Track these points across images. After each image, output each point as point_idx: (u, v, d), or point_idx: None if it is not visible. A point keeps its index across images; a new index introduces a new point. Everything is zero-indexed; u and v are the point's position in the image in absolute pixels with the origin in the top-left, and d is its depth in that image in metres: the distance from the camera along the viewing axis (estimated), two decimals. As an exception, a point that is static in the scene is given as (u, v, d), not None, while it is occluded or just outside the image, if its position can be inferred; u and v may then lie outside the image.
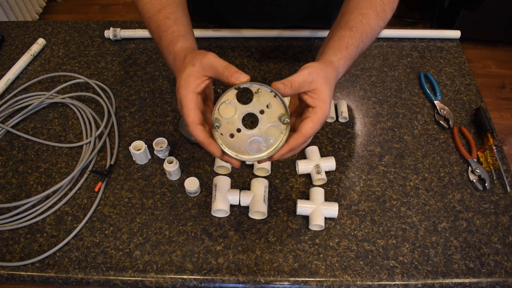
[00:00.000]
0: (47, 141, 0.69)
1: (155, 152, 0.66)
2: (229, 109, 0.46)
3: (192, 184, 0.61)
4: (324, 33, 0.84)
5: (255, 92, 0.45)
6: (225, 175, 0.64)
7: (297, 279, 0.55)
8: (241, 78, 0.44)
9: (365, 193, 0.63)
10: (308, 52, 0.83)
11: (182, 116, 0.47)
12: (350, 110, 0.73)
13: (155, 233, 0.59)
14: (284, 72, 0.79)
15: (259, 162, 0.49)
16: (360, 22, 0.55)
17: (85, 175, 0.64)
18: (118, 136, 0.69)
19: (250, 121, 0.54)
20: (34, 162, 0.66)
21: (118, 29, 0.84)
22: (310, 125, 0.46)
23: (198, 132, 0.45)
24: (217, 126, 0.46)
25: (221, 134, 0.46)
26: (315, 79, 0.46)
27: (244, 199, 0.60)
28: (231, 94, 0.45)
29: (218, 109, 0.46)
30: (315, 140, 0.69)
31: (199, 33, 0.84)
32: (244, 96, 0.49)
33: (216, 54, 0.46)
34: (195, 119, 0.45)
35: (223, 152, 0.47)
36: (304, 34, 0.84)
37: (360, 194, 0.63)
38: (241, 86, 0.44)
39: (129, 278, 0.55)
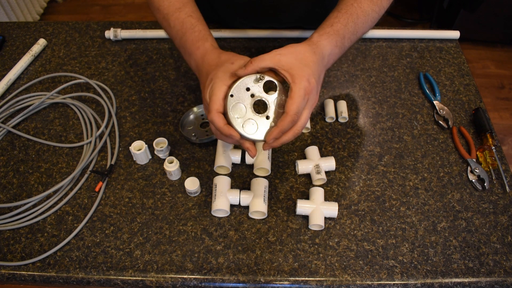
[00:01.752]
0: (48, 141, 0.69)
1: (155, 152, 0.66)
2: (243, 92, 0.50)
3: (192, 184, 0.61)
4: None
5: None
6: (225, 175, 0.64)
7: (297, 278, 0.55)
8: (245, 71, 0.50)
9: (365, 193, 0.63)
10: (308, 52, 0.83)
11: (207, 102, 0.51)
12: (349, 110, 0.74)
13: (156, 233, 0.59)
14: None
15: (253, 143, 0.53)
16: (350, 6, 0.58)
17: (86, 175, 0.64)
18: (119, 136, 0.69)
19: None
20: (35, 162, 0.67)
21: (118, 30, 0.84)
22: (290, 102, 0.48)
23: (220, 120, 0.49)
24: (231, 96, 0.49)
25: (237, 118, 0.50)
26: (285, 57, 0.49)
27: (244, 199, 0.60)
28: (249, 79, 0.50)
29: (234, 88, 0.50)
30: (315, 140, 0.69)
31: (199, 33, 0.84)
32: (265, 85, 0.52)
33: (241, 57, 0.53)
34: (220, 108, 0.49)
35: (242, 137, 0.50)
36: (303, 35, 0.85)
37: (359, 194, 0.63)
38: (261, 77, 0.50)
39: (130, 278, 0.55)
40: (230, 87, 0.50)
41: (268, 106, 0.51)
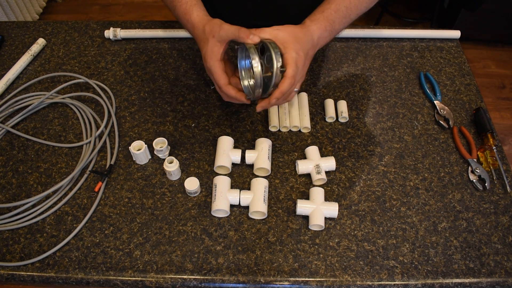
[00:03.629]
0: (47, 141, 0.69)
1: (155, 152, 0.66)
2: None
3: (192, 184, 0.61)
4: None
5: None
6: (225, 175, 0.64)
7: (297, 279, 0.55)
8: (255, 39, 0.55)
9: (365, 193, 0.63)
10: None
11: (213, 79, 0.59)
12: (350, 110, 0.73)
13: (155, 233, 0.59)
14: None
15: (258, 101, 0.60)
16: None
17: (85, 175, 0.64)
18: (118, 136, 0.69)
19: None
20: (34, 162, 0.66)
21: (118, 29, 0.84)
22: (287, 68, 0.55)
23: (230, 90, 0.58)
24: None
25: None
26: (282, 32, 0.56)
27: (244, 199, 0.60)
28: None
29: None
30: (315, 140, 0.69)
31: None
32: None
33: (227, 24, 0.57)
34: (226, 81, 0.58)
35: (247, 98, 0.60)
36: (304, 34, 0.84)
37: (360, 194, 0.63)
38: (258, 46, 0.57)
39: (129, 278, 0.55)
40: (222, 54, 0.57)
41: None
